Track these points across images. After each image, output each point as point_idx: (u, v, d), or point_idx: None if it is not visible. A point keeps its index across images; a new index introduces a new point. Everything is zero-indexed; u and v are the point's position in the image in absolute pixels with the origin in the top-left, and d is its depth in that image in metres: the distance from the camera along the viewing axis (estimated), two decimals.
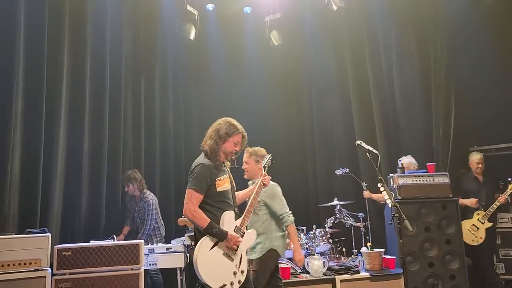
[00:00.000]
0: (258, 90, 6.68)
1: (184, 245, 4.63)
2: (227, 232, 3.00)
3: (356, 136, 6.01)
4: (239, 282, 3.03)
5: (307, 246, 4.89)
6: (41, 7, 4.58)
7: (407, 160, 5.09)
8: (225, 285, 2.93)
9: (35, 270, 3.61)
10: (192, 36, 6.09)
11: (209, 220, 2.98)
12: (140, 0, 5.97)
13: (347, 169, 5.37)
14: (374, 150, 3.50)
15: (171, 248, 4.53)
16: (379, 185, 3.29)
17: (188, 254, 4.66)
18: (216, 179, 3.10)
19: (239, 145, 3.24)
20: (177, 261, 4.51)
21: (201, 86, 6.65)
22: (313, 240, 4.94)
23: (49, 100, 4.57)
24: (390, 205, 3.24)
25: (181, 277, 4.58)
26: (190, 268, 5.10)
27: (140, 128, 5.78)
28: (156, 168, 5.81)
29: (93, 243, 3.96)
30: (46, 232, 3.74)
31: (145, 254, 4.30)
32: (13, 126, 4.19)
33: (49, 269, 3.70)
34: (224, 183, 3.14)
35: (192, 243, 3.53)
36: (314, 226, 5.08)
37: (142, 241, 4.08)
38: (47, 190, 4.47)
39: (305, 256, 4.79)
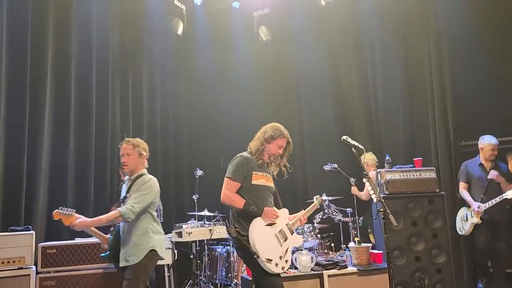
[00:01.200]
0: (247, 85, 6.66)
1: (172, 241, 4.62)
2: (263, 207, 3.23)
3: (344, 131, 6.01)
4: (282, 268, 3.23)
5: None
6: (24, 4, 4.51)
7: (369, 157, 5.22)
8: (271, 260, 3.12)
9: (19, 269, 3.59)
10: (180, 31, 6.03)
11: (244, 200, 3.21)
12: None
13: (335, 165, 5.37)
14: (360, 145, 3.50)
15: None
16: (364, 180, 3.30)
17: (175, 251, 4.65)
18: (253, 172, 3.30)
19: (283, 149, 3.47)
20: (165, 258, 4.48)
21: (190, 82, 6.61)
22: (302, 236, 4.94)
23: (33, 98, 4.52)
24: (375, 200, 3.25)
25: (168, 274, 4.57)
26: (177, 264, 5.14)
27: (128, 124, 5.73)
28: None
29: (78, 240, 3.93)
30: (30, 230, 3.70)
31: None
32: None
33: (34, 267, 3.67)
34: (260, 178, 3.33)
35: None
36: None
37: None
38: (32, 187, 4.43)
39: (293, 252, 4.80)
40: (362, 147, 3.46)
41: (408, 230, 4.74)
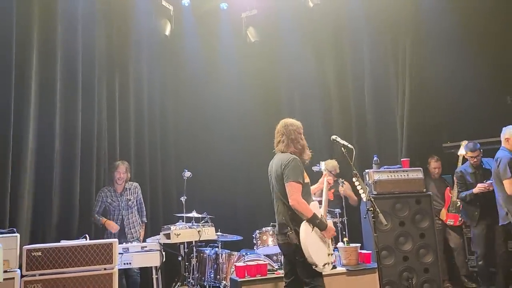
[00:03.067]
0: (235, 86, 6.66)
1: (160, 243, 4.57)
2: (327, 224, 3.36)
3: (334, 131, 6.06)
4: (331, 263, 3.43)
5: None
6: (8, 4, 4.43)
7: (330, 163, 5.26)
8: (326, 263, 3.28)
9: (3, 272, 3.49)
10: (167, 32, 6.00)
11: (313, 211, 3.28)
12: None
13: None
14: (349, 145, 3.52)
15: (146, 247, 4.47)
16: (354, 179, 3.32)
17: (163, 253, 4.60)
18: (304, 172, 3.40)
19: None
20: (153, 260, 4.45)
21: (177, 83, 6.57)
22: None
23: (18, 97, 4.42)
24: (364, 199, 3.27)
25: (156, 276, 4.52)
26: (165, 266, 5.09)
27: (115, 125, 5.66)
28: (131, 166, 5.68)
29: (64, 243, 3.85)
30: (14, 232, 3.61)
31: (119, 253, 4.23)
32: None
33: (18, 270, 3.58)
34: (306, 177, 3.42)
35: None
36: None
37: (116, 240, 4.00)
38: (16, 190, 4.33)
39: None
40: (352, 147, 3.49)
41: (396, 230, 4.79)
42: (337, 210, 5.17)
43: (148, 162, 5.99)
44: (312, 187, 3.77)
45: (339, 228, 5.09)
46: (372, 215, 3.16)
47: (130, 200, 5.05)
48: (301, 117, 6.53)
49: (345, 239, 4.78)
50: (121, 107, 5.78)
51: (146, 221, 5.28)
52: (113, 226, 4.86)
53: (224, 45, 6.72)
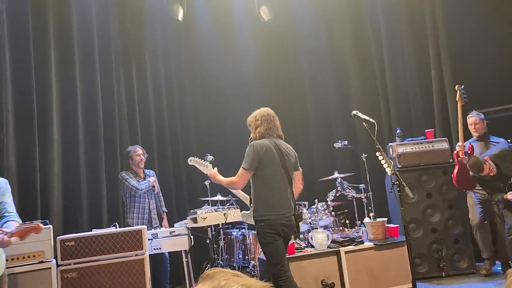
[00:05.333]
0: (250, 66, 6.57)
1: (187, 227, 4.64)
2: None
3: (352, 107, 5.97)
4: None
5: (310, 220, 4.90)
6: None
7: None
8: None
9: (39, 262, 3.63)
10: (180, 17, 5.95)
11: None
12: None
13: (346, 142, 5.33)
14: (371, 119, 3.46)
15: (174, 232, 4.54)
16: (377, 153, 3.27)
17: (191, 237, 4.68)
18: None
19: None
20: (182, 244, 4.53)
21: (193, 67, 6.54)
22: (316, 214, 4.94)
23: (40, 95, 4.52)
24: (389, 173, 3.22)
25: (186, 260, 4.60)
26: (194, 250, 5.18)
27: (135, 115, 5.71)
28: (154, 153, 5.76)
29: (95, 231, 3.96)
30: (47, 224, 3.73)
31: (149, 239, 4.31)
32: (5, 120, 4.14)
33: (54, 260, 3.71)
34: None
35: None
36: (316, 200, 5.07)
37: (145, 226, 4.09)
38: (46, 182, 4.46)
39: (309, 231, 4.81)
40: (373, 121, 3.42)
41: (423, 202, 4.74)
42: (362, 185, 5.13)
43: (170, 148, 6.04)
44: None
45: (364, 203, 5.06)
46: (398, 188, 3.11)
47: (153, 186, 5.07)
48: (317, 94, 6.57)
49: (371, 214, 4.76)
50: (140, 95, 5.82)
51: (166, 211, 5.22)
52: (156, 182, 5.01)
53: (237, 26, 6.64)
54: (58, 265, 3.72)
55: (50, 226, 3.73)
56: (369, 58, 6.09)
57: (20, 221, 2.92)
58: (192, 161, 3.91)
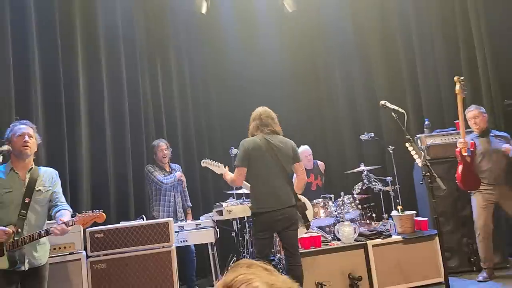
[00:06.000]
0: (274, 58, 6.51)
1: (213, 220, 4.65)
2: None
3: (378, 99, 5.85)
4: None
5: (336, 213, 4.85)
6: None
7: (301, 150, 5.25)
8: None
9: (70, 254, 3.71)
10: (203, 10, 5.97)
11: None
12: None
13: (372, 134, 5.24)
14: (400, 109, 3.37)
15: (200, 224, 4.56)
16: (407, 144, 3.19)
17: (217, 229, 4.69)
18: None
19: None
20: (208, 237, 4.54)
21: (217, 60, 6.54)
22: (342, 207, 4.88)
23: (67, 92, 4.60)
24: (420, 165, 3.13)
25: (212, 252, 4.62)
26: (220, 242, 5.20)
27: (161, 110, 5.75)
28: (179, 147, 5.80)
29: (123, 224, 4.02)
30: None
31: (175, 232, 4.34)
32: (34, 116, 4.23)
33: (84, 252, 3.79)
34: None
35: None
36: (342, 193, 5.01)
37: (171, 219, 4.12)
38: (75, 176, 4.55)
39: (335, 224, 4.76)
40: (403, 111, 3.34)
41: (452, 195, 4.61)
42: (389, 178, 5.04)
43: (195, 142, 6.08)
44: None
45: (391, 196, 4.97)
46: (429, 180, 3.03)
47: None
48: (341, 87, 6.47)
49: (399, 207, 4.66)
50: (165, 90, 5.87)
51: (191, 206, 5.22)
52: (183, 176, 5.02)
53: (260, 17, 6.57)
54: (88, 257, 3.79)
55: None
56: (395, 49, 5.94)
57: (70, 209, 3.05)
58: (205, 163, 4.15)
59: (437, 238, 4.22)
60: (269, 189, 3.58)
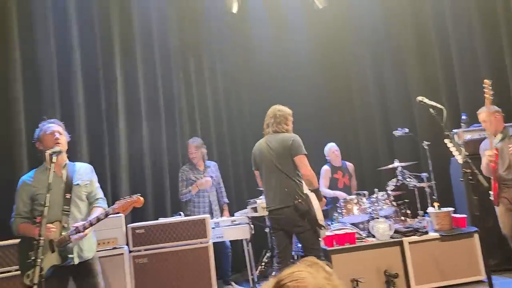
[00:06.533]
0: (304, 56, 6.52)
1: (248, 217, 4.72)
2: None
3: (411, 94, 5.78)
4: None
5: (370, 210, 4.82)
6: (88, 4, 4.75)
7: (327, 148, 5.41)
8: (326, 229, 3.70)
9: (113, 248, 3.86)
10: (235, 10, 6.02)
11: None
12: None
13: (407, 129, 5.17)
14: (438, 105, 3.32)
15: (235, 221, 4.64)
16: (446, 141, 3.13)
17: (252, 226, 4.76)
18: None
19: None
20: (243, 233, 4.61)
21: (248, 59, 6.58)
22: (376, 204, 4.85)
23: (107, 91, 4.77)
24: (460, 161, 3.09)
25: (248, 248, 4.69)
26: (254, 240, 5.27)
27: (194, 109, 5.86)
28: (212, 145, 5.89)
29: (162, 220, 4.14)
30: (118, 213, 3.93)
31: (212, 228, 4.43)
32: (76, 115, 4.41)
33: (126, 246, 3.93)
34: None
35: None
36: (376, 189, 4.98)
37: (208, 215, 4.21)
38: (115, 175, 4.72)
39: (368, 221, 4.74)
40: (441, 107, 3.29)
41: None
42: (424, 174, 4.97)
43: (228, 140, 6.16)
44: None
45: (427, 193, 4.90)
46: (470, 177, 2.98)
47: (212, 177, 5.12)
48: (372, 84, 6.40)
49: (435, 204, 4.59)
50: (198, 88, 5.97)
51: (227, 202, 5.29)
52: (206, 183, 4.89)
53: (291, 15, 6.58)
54: (129, 251, 3.93)
55: (121, 214, 3.91)
56: (429, 44, 5.81)
57: (105, 205, 3.10)
58: None
59: (476, 235, 4.15)
60: (269, 189, 3.72)
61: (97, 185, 3.21)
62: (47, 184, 2.54)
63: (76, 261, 2.90)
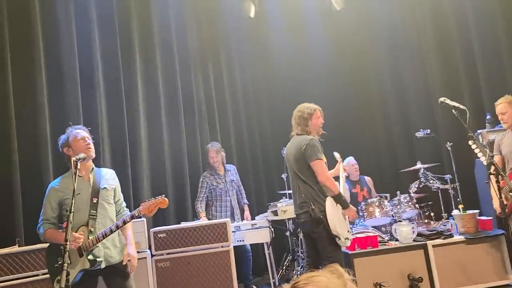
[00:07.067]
0: (321, 58, 6.49)
1: (268, 220, 4.72)
2: (349, 203, 3.60)
3: (433, 96, 5.69)
4: (349, 240, 3.51)
5: (392, 213, 4.76)
6: (110, 11, 4.83)
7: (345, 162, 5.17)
8: (347, 238, 3.45)
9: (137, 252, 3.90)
10: (252, 14, 6.06)
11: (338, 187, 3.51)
12: None
13: (428, 130, 5.09)
14: (461, 106, 3.26)
15: (256, 224, 4.65)
16: (470, 142, 3.08)
17: (272, 229, 4.76)
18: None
19: (321, 118, 3.78)
20: (263, 236, 4.62)
21: (266, 62, 6.61)
22: (398, 207, 4.79)
23: (128, 95, 4.83)
24: (485, 163, 3.02)
25: (268, 251, 4.69)
26: (275, 243, 5.27)
27: (214, 113, 5.90)
28: (232, 148, 5.92)
29: (184, 224, 4.18)
30: (141, 218, 3.99)
31: (232, 232, 4.44)
32: (99, 121, 4.48)
33: (148, 250, 3.98)
34: (323, 156, 3.57)
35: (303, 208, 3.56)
36: (398, 192, 4.91)
37: (229, 219, 4.23)
38: (136, 179, 4.78)
39: (391, 223, 4.67)
40: (464, 107, 3.23)
41: None
42: (448, 176, 4.87)
43: (247, 143, 6.18)
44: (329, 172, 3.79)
45: (451, 195, 4.81)
46: (496, 179, 2.91)
47: (233, 181, 5.15)
48: (391, 85, 6.32)
49: (460, 206, 4.50)
50: (217, 92, 6.01)
51: (248, 203, 5.28)
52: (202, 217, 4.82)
53: (308, 17, 6.57)
54: (152, 255, 3.98)
55: (144, 219, 3.98)
56: (449, 42, 5.71)
57: (128, 213, 3.14)
58: None
59: (503, 238, 4.05)
60: (292, 193, 3.75)
61: (120, 190, 3.27)
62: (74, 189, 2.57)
63: (103, 265, 2.92)
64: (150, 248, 4.01)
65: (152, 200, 2.99)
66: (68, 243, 2.33)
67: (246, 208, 5.23)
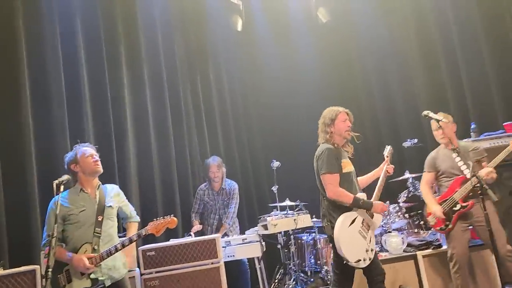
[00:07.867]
0: (309, 70, 6.56)
1: (259, 234, 4.71)
2: (372, 201, 3.31)
3: (419, 104, 5.76)
4: (369, 259, 3.21)
5: (382, 223, 4.77)
6: (95, 21, 4.81)
7: None
8: (360, 260, 3.14)
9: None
10: (239, 28, 6.11)
11: (352, 195, 3.21)
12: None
13: (416, 140, 5.13)
14: (444, 119, 3.30)
15: (246, 239, 4.63)
16: (453, 155, 3.11)
17: (263, 243, 4.74)
18: (342, 160, 3.32)
19: (348, 120, 3.47)
20: (254, 251, 4.60)
21: (255, 75, 6.66)
22: (388, 217, 4.80)
23: (114, 107, 4.80)
24: (468, 176, 3.05)
25: (259, 266, 4.68)
26: (266, 256, 5.25)
27: (203, 125, 5.91)
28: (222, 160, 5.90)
29: (173, 241, 4.15)
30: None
31: (223, 247, 4.43)
32: (86, 130, 4.45)
33: (137, 269, 3.94)
34: (347, 165, 3.36)
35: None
36: (388, 202, 4.93)
37: (219, 235, 4.22)
38: (125, 193, 4.72)
39: (381, 234, 4.68)
40: (447, 120, 3.26)
41: (505, 201, 4.42)
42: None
43: (237, 157, 6.19)
44: (372, 172, 3.73)
45: None
46: (479, 192, 2.94)
47: (225, 200, 5.09)
48: (379, 96, 6.38)
49: None
50: (205, 104, 6.02)
51: (229, 224, 5.03)
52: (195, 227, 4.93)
53: (295, 29, 6.66)
54: (141, 274, 3.94)
55: None
56: (434, 53, 5.80)
57: (138, 219, 3.27)
58: None
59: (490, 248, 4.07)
60: None
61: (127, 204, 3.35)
62: (79, 205, 2.74)
63: (108, 283, 2.91)
64: (139, 266, 3.97)
65: (160, 220, 3.00)
66: (50, 269, 2.30)
67: (223, 227, 5.02)
